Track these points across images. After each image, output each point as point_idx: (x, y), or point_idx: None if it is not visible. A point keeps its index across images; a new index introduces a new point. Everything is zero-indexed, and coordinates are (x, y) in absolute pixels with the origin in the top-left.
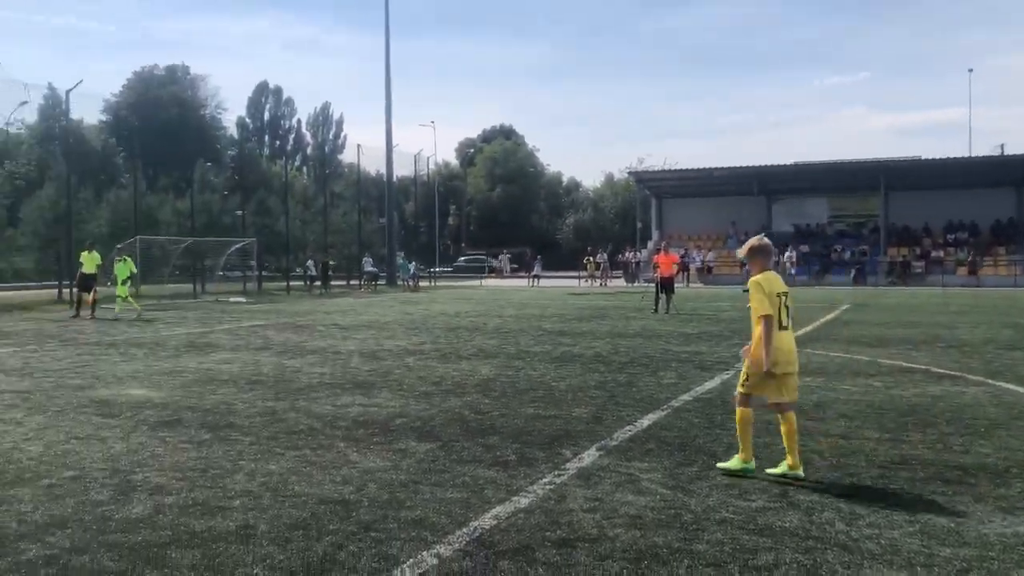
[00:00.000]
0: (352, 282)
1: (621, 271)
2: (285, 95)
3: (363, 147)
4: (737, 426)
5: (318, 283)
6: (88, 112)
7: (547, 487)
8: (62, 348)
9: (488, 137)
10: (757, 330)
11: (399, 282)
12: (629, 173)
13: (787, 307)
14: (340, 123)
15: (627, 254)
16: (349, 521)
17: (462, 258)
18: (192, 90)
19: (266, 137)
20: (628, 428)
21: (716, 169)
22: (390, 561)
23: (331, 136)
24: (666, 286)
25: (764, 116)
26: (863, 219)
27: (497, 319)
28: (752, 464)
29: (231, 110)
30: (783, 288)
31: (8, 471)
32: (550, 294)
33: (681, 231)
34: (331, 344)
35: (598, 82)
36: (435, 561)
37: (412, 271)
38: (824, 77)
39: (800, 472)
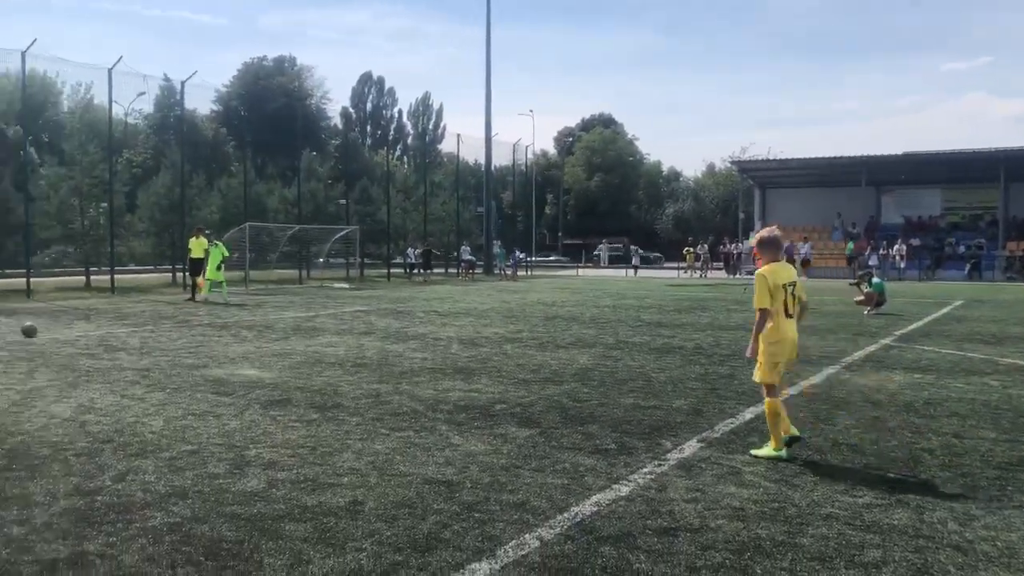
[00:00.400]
0: (450, 270)
1: (722, 263)
2: (387, 85)
3: (462, 136)
4: (767, 417)
5: (417, 270)
6: (200, 102)
7: (647, 476)
8: (177, 329)
9: (587, 126)
10: (770, 322)
11: (496, 271)
12: (732, 162)
13: (794, 296)
14: (440, 113)
15: (728, 245)
16: (453, 501)
17: (601, 245)
18: (299, 81)
19: (368, 127)
20: (730, 420)
21: (823, 159)
22: (493, 542)
23: (431, 126)
24: None
25: (877, 103)
26: (980, 211)
27: (594, 309)
28: (784, 452)
29: (335, 100)
30: (790, 279)
31: (133, 443)
32: (648, 285)
33: (785, 222)
34: (431, 330)
35: (701, 68)
36: (537, 544)
37: (513, 259)
38: (942, 62)
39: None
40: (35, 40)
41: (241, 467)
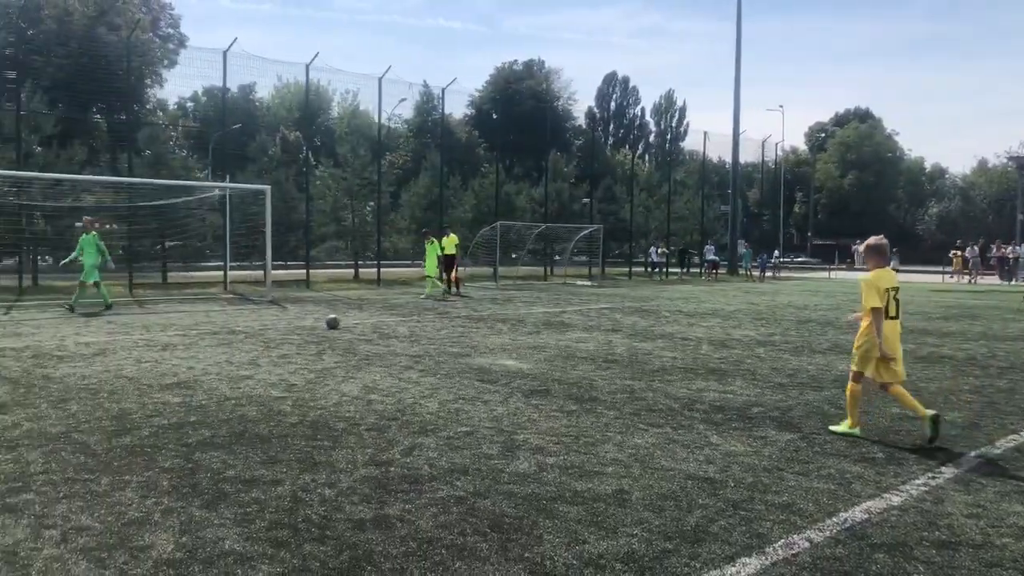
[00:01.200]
0: (692, 270)
1: (995, 268)
2: (631, 84)
3: (708, 134)
4: (847, 397)
5: (660, 269)
6: (455, 107)
7: (921, 488)
8: (439, 320)
9: (841, 120)
10: (866, 320)
11: (740, 271)
12: (1009, 158)
13: (896, 300)
14: (683, 110)
15: (1003, 248)
16: (717, 498)
17: (855, 246)
18: (546, 83)
19: (611, 126)
20: (1012, 437)
21: None
22: (762, 539)
23: (674, 123)
24: None
25: None
26: None
27: (852, 314)
28: (858, 430)
29: (581, 101)
30: (893, 284)
31: (414, 422)
32: (909, 289)
33: None
34: (678, 330)
35: (971, 56)
36: (807, 545)
37: (761, 260)
38: None
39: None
40: (317, 54)
41: (512, 450)
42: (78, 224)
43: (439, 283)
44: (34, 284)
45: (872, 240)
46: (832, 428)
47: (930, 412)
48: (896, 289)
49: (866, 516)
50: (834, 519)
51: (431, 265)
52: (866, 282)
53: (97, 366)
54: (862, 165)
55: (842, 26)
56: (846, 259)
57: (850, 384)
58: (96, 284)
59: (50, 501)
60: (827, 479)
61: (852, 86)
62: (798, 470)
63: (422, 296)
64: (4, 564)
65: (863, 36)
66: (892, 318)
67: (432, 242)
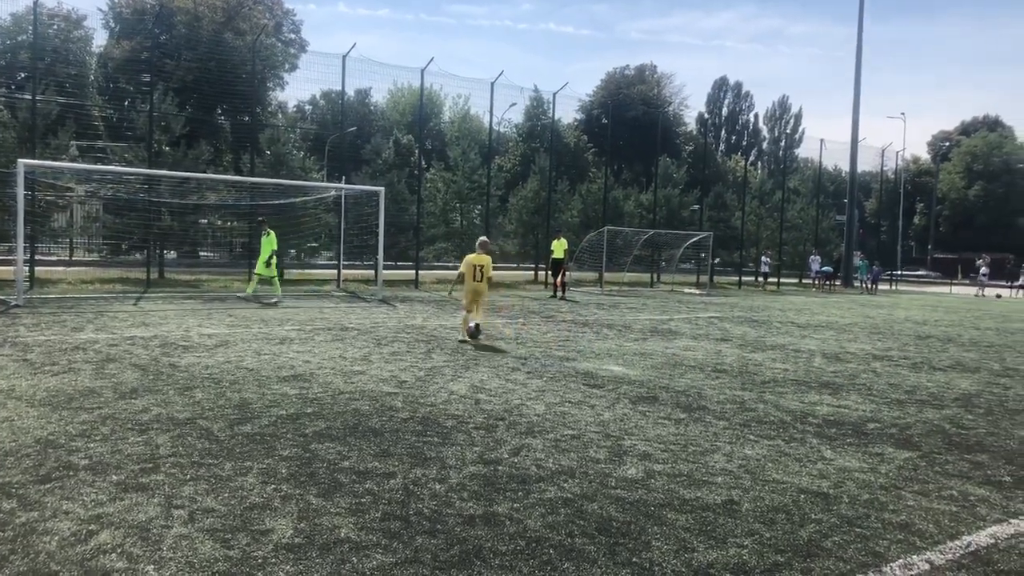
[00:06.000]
0: (804, 281)
1: None
2: (744, 89)
3: (824, 141)
4: (461, 322)
5: (764, 279)
6: (565, 112)
7: None
8: (544, 324)
9: (968, 129)
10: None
11: (856, 283)
12: None
13: (480, 271)
14: (798, 116)
15: None
16: (830, 513)
17: (979, 261)
18: (657, 88)
19: (723, 132)
20: None
21: None
22: (878, 558)
23: (788, 130)
24: None
25: None
26: None
27: (974, 331)
28: (467, 336)
29: (692, 107)
30: (481, 262)
31: (521, 423)
32: None
33: None
34: (790, 341)
35: None
36: (927, 567)
37: (873, 272)
38: None
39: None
40: (432, 59)
41: (619, 455)
42: None
43: (276, 283)
44: (160, 276)
45: (482, 239)
46: (461, 339)
47: (472, 327)
48: (483, 266)
49: (992, 541)
50: (956, 542)
51: (262, 260)
52: (465, 259)
53: (219, 357)
54: (989, 176)
55: (971, 30)
56: (970, 273)
57: (463, 315)
58: None
59: (178, 483)
60: (949, 500)
61: (981, 94)
62: (917, 489)
63: (240, 295)
64: (139, 539)
65: (995, 41)
66: (478, 281)
67: (268, 234)
